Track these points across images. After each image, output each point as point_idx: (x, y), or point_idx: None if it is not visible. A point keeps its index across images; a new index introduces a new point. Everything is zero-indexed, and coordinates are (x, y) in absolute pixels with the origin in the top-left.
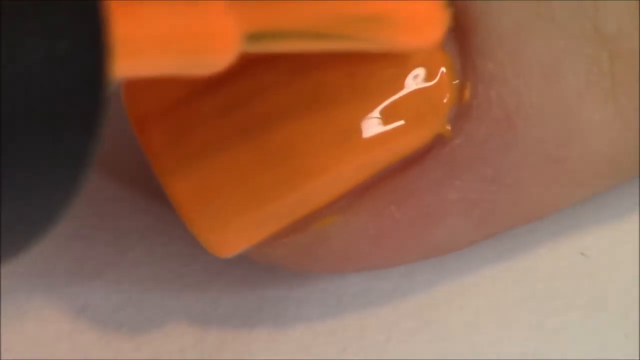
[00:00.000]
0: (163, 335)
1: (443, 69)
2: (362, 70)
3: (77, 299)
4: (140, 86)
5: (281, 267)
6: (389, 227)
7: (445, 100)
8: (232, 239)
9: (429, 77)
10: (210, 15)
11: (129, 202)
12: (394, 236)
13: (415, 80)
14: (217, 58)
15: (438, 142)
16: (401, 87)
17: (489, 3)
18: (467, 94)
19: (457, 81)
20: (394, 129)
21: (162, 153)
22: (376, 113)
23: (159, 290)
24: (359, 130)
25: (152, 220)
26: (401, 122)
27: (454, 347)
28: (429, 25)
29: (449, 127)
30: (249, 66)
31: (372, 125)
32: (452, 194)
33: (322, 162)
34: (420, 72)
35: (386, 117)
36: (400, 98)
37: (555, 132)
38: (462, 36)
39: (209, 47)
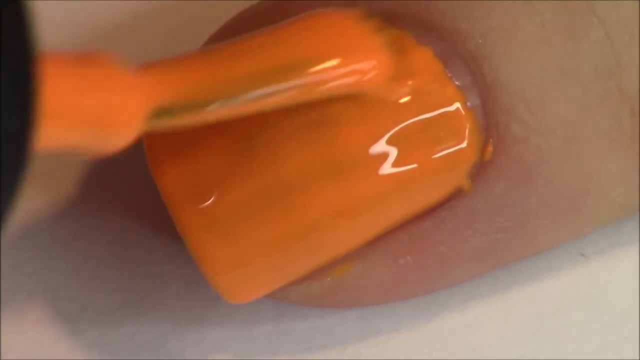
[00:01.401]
0: (163, 335)
1: (467, 127)
2: (383, 122)
3: (77, 299)
4: (165, 155)
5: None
6: (403, 273)
7: (467, 156)
8: (248, 289)
9: (453, 134)
10: (117, 90)
11: (129, 203)
12: (408, 282)
13: (439, 136)
14: (120, 134)
15: (457, 194)
16: (425, 142)
17: (514, 62)
18: (489, 150)
19: (480, 138)
20: (415, 183)
21: (182, 204)
22: (399, 167)
23: (159, 290)
24: (382, 185)
25: (152, 220)
26: (423, 176)
27: (454, 347)
28: (364, 55)
29: (469, 181)
30: (269, 129)
31: (395, 180)
32: (467, 243)
33: (344, 220)
34: (445, 128)
35: (409, 170)
36: (424, 153)
37: (572, 187)
38: (487, 95)
39: (112, 122)
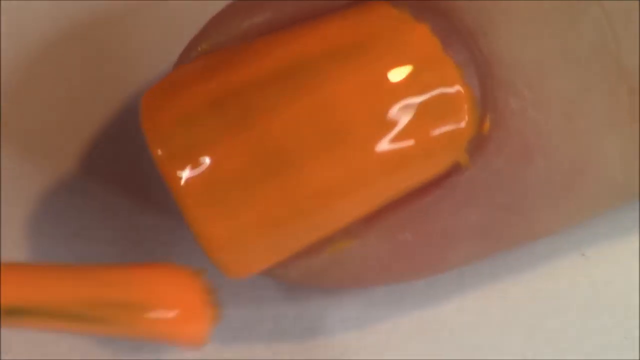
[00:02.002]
0: None
1: (464, 101)
2: (382, 96)
3: None
4: (159, 100)
5: (293, 285)
6: (402, 251)
7: (465, 131)
8: (246, 262)
9: (450, 107)
10: None
11: (129, 202)
12: (407, 259)
13: (436, 111)
14: None
15: (456, 169)
16: (422, 117)
17: (511, 37)
18: (487, 125)
19: (477, 113)
20: (413, 157)
21: (183, 180)
22: (397, 141)
23: None
24: (377, 158)
25: (152, 220)
26: (421, 151)
27: (454, 347)
28: (190, 320)
29: (467, 156)
30: (266, 96)
31: (391, 153)
32: (466, 220)
33: (341, 191)
34: (442, 103)
35: (405, 145)
36: (421, 127)
37: (571, 164)
38: (484, 69)
39: None
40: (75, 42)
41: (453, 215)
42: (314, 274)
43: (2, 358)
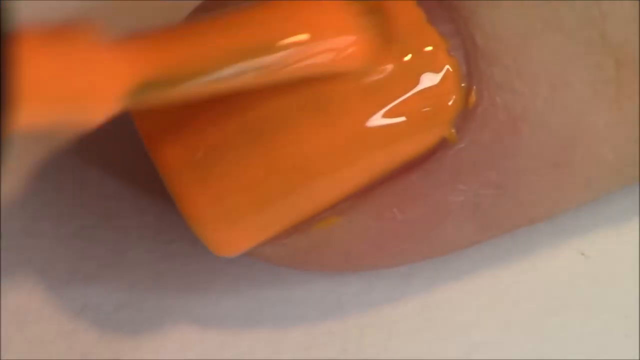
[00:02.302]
0: (163, 335)
1: (449, 72)
2: (367, 77)
3: (77, 299)
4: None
5: (282, 266)
6: (390, 228)
7: (450, 105)
8: (234, 239)
9: (435, 81)
10: (98, 65)
11: (130, 201)
12: (396, 238)
13: (421, 84)
14: (101, 109)
15: (442, 145)
16: (407, 90)
17: (495, 9)
18: (472, 99)
19: (463, 86)
20: (398, 132)
21: (168, 155)
22: (381, 116)
23: (159, 290)
24: (364, 133)
25: (152, 220)
26: (406, 125)
27: (454, 347)
28: (350, 34)
29: (453, 131)
30: None
31: (377, 127)
32: (455, 197)
33: (326, 164)
34: (426, 76)
35: (391, 120)
36: (406, 101)
37: (559, 138)
38: (468, 42)
39: (93, 98)
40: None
41: (441, 192)
42: (302, 252)
43: (2, 358)
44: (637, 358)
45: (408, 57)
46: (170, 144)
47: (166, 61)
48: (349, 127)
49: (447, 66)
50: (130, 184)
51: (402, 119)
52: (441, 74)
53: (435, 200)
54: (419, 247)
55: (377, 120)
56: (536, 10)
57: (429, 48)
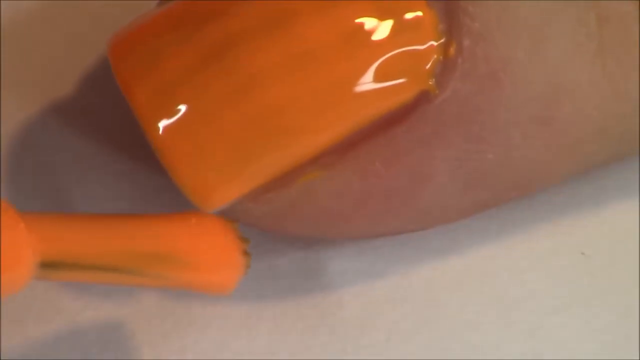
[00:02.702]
0: (163, 335)
1: (428, 24)
2: (342, 15)
3: (77, 299)
4: (127, 46)
5: (265, 228)
6: (374, 185)
7: (429, 53)
8: (216, 190)
9: (413, 32)
10: (11, 237)
11: (129, 201)
12: (380, 196)
13: (399, 33)
14: (13, 278)
15: (423, 98)
16: (385, 39)
17: None
18: (452, 50)
19: (442, 38)
20: (377, 82)
21: (148, 107)
22: (359, 66)
23: (159, 290)
24: (341, 83)
25: (143, 183)
26: (385, 76)
27: (454, 347)
28: (223, 269)
29: (433, 82)
30: (231, 8)
31: (355, 78)
32: (438, 152)
33: (305, 113)
34: (404, 26)
35: (369, 70)
36: (384, 50)
37: (542, 92)
38: None
39: (6, 266)
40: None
41: (424, 147)
42: (285, 207)
43: (2, 358)
44: (637, 358)
45: (387, 10)
46: (150, 94)
47: (63, 250)
48: (328, 77)
49: (425, 16)
50: (131, 184)
51: (381, 70)
52: (419, 24)
53: (418, 156)
54: (403, 209)
55: (355, 71)
56: None
57: (409, 1)
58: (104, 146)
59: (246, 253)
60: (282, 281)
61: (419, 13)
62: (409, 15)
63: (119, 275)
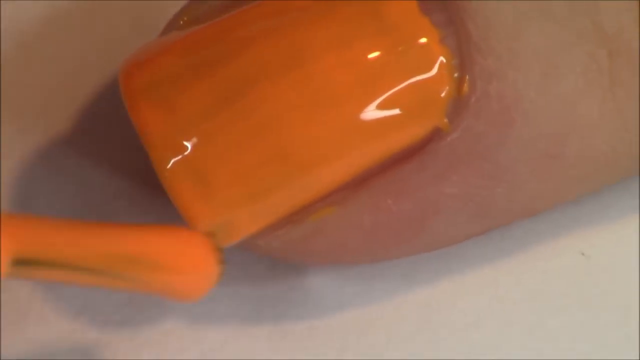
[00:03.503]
0: (163, 335)
1: (442, 63)
2: (358, 57)
3: (77, 299)
4: (141, 78)
5: (277, 259)
6: (385, 219)
7: (443, 94)
8: (228, 227)
9: (427, 70)
10: None
11: (129, 201)
12: (390, 228)
13: (413, 73)
14: None
15: (436, 135)
16: (399, 80)
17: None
18: (465, 88)
19: (455, 75)
20: (391, 121)
21: (161, 144)
22: (374, 106)
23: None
24: (357, 122)
25: (152, 220)
26: (399, 114)
27: (454, 347)
28: (197, 271)
29: (446, 121)
30: (247, 50)
31: (370, 117)
32: (449, 188)
33: (320, 153)
34: (418, 65)
35: (384, 108)
36: (399, 91)
37: (553, 128)
38: (461, 30)
39: None
40: (60, 21)
41: (435, 183)
42: (296, 243)
43: (2, 358)
44: (637, 358)
45: (401, 47)
46: (163, 131)
47: (37, 247)
48: (342, 117)
49: (440, 56)
50: (131, 184)
51: (395, 108)
52: (433, 64)
53: (429, 191)
54: (413, 239)
55: (370, 110)
56: None
57: (422, 38)
58: (106, 168)
59: (221, 262)
60: (281, 281)
61: (434, 52)
62: (423, 55)
63: (92, 277)
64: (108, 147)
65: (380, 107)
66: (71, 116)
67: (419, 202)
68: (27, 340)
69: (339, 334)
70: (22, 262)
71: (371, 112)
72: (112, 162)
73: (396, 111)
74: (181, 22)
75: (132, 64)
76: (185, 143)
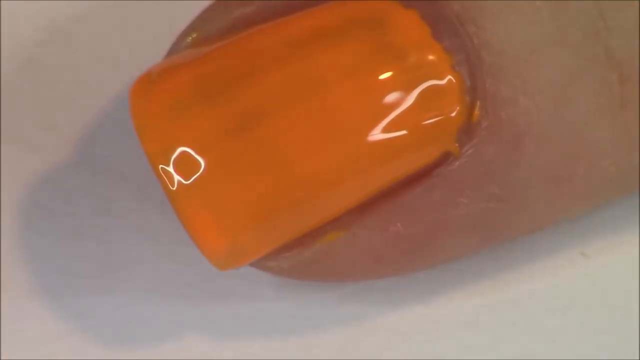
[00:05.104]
0: (163, 335)
1: (454, 89)
2: (371, 84)
3: (77, 298)
4: (148, 88)
5: (284, 277)
6: (393, 242)
7: (454, 119)
8: (236, 253)
9: (439, 95)
10: None
11: (129, 202)
12: (397, 250)
13: (425, 98)
14: None
15: (446, 159)
16: (411, 104)
17: (501, 24)
18: (477, 113)
19: (467, 101)
20: (402, 147)
21: (172, 170)
22: (386, 129)
23: (159, 290)
24: (368, 149)
25: (153, 220)
26: (410, 140)
27: (453, 347)
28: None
29: (457, 145)
30: (261, 79)
31: (382, 144)
32: (457, 211)
33: (331, 180)
34: (430, 90)
35: (395, 135)
36: (410, 115)
37: (562, 152)
38: (474, 57)
39: None
40: (65, 39)
41: (445, 206)
42: (306, 265)
43: (2, 358)
44: (637, 358)
45: (413, 74)
46: (174, 162)
47: None
48: (355, 145)
49: (452, 82)
50: (131, 184)
51: (407, 135)
52: (445, 90)
53: (438, 214)
54: (421, 259)
55: (382, 137)
56: (542, 25)
57: (434, 65)
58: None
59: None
60: (281, 281)
61: (447, 79)
62: (436, 82)
63: None
64: (108, 148)
65: (392, 133)
66: (76, 133)
67: (428, 224)
68: (27, 340)
69: (339, 334)
70: None
71: (383, 139)
72: (112, 160)
73: (407, 137)
74: (190, 39)
75: (144, 87)
76: (197, 171)
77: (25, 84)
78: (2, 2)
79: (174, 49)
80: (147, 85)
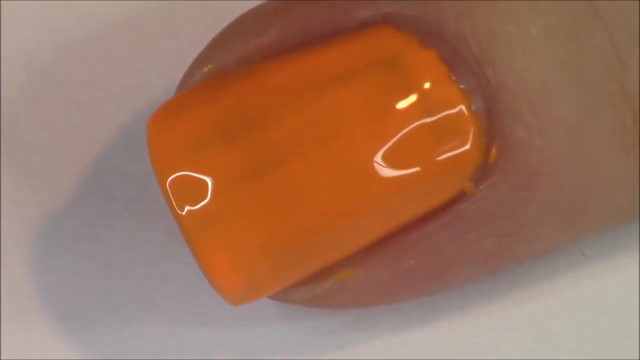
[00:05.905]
0: (163, 335)
1: (470, 129)
2: (388, 125)
3: (77, 299)
4: (166, 125)
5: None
6: (405, 277)
7: (470, 159)
8: (249, 290)
9: (457, 137)
10: None
11: (129, 202)
12: (410, 285)
13: (441, 138)
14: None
15: (461, 197)
16: (427, 144)
17: (519, 66)
18: (493, 154)
19: (484, 141)
20: (419, 188)
21: (182, 204)
22: (402, 169)
23: (159, 290)
24: (385, 191)
25: (153, 220)
26: (427, 181)
27: (453, 347)
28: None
29: (472, 184)
30: (279, 121)
31: (399, 185)
32: (471, 247)
33: (348, 223)
34: (447, 130)
35: (412, 177)
36: (427, 155)
37: (575, 188)
38: (491, 98)
39: None
40: (75, 64)
41: (457, 242)
42: (317, 299)
43: (2, 358)
44: (637, 358)
45: (431, 116)
46: (190, 198)
47: None
48: (372, 188)
49: (470, 124)
50: (131, 184)
51: (422, 171)
52: (464, 133)
53: (451, 250)
54: (430, 291)
55: (399, 179)
56: (559, 65)
57: (451, 104)
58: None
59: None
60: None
61: (464, 121)
62: (454, 123)
63: None
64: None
65: (409, 175)
66: (76, 133)
67: (441, 261)
68: (27, 340)
69: (339, 334)
70: None
71: (403, 182)
72: (112, 160)
73: (423, 177)
74: (205, 70)
75: (161, 124)
76: (215, 211)
77: (25, 84)
78: (2, 2)
79: (187, 79)
80: (165, 121)
